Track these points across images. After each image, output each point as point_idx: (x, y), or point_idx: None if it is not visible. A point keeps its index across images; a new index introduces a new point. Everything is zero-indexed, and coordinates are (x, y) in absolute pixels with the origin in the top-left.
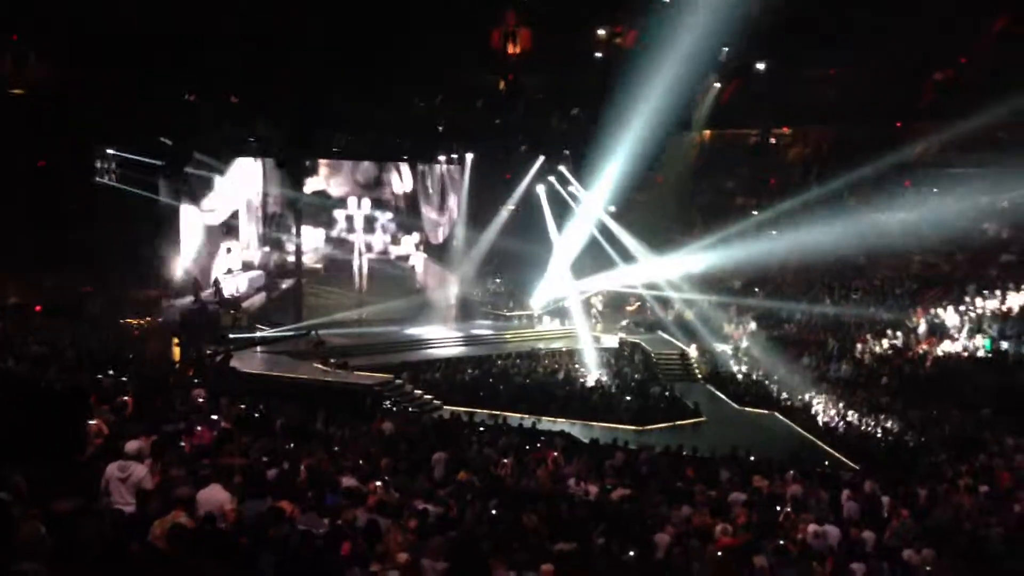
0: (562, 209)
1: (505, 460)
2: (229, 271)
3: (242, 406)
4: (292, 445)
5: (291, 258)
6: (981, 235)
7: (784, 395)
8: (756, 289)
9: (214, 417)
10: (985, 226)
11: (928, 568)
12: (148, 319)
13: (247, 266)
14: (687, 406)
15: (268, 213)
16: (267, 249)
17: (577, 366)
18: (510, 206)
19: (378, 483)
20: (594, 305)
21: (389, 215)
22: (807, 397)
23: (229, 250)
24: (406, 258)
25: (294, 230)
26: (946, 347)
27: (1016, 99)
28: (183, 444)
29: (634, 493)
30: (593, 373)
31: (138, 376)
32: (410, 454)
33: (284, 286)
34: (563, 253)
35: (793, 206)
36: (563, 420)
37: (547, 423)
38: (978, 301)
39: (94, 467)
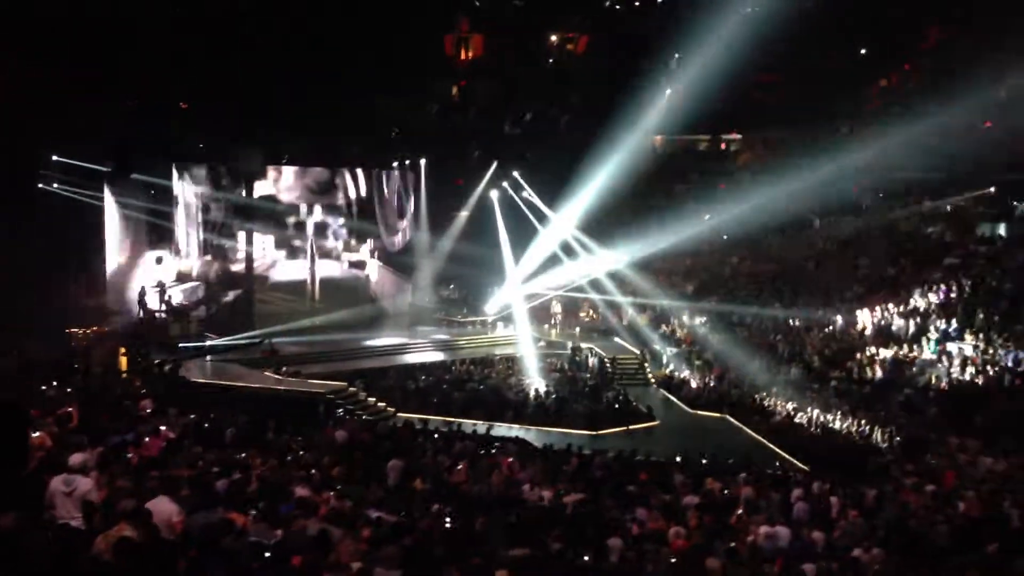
0: (517, 214)
1: (459, 467)
2: (160, 284)
3: (192, 416)
4: (243, 455)
5: (235, 267)
6: (925, 239)
7: (742, 389)
8: (700, 293)
9: (163, 428)
10: (929, 230)
11: (877, 567)
12: (94, 328)
13: (182, 277)
14: (640, 410)
15: (211, 220)
16: (208, 258)
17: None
18: (463, 212)
19: (331, 492)
20: (555, 311)
21: (341, 221)
22: (759, 398)
23: (160, 260)
24: (361, 265)
25: (242, 237)
26: (892, 350)
27: (960, 104)
28: (130, 456)
29: (588, 498)
30: (536, 380)
31: (84, 387)
32: (364, 462)
33: (230, 296)
34: (517, 258)
35: (744, 210)
36: (517, 426)
37: (501, 429)
38: (923, 304)
39: (38, 481)
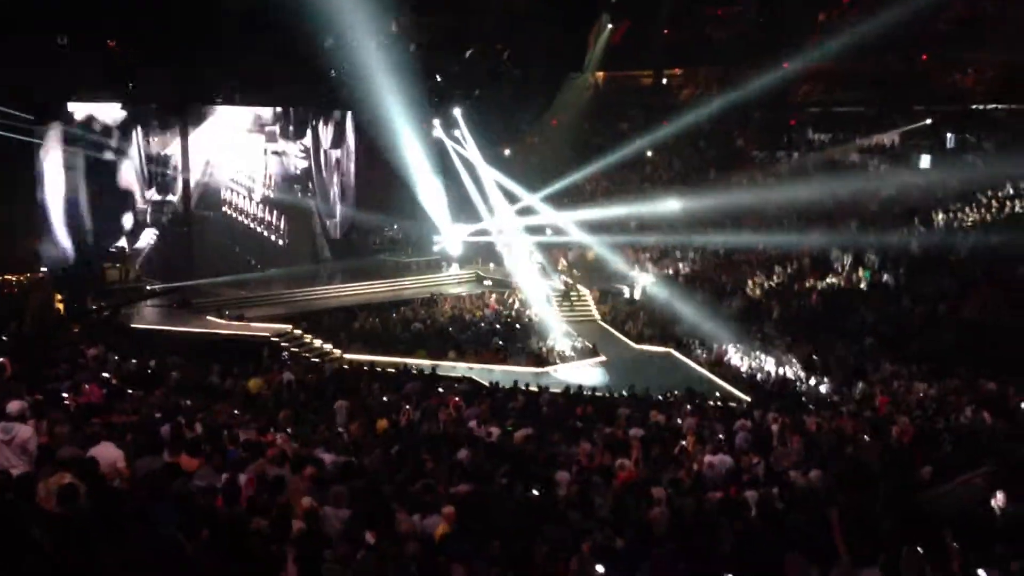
0: (459, 152)
1: (407, 406)
2: (101, 229)
3: (133, 362)
4: (187, 400)
5: (175, 211)
6: (862, 172)
7: (682, 332)
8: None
9: (104, 374)
10: (867, 163)
11: (813, 489)
12: (29, 274)
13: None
14: (587, 346)
15: (151, 162)
16: (155, 195)
17: (479, 312)
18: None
19: (278, 434)
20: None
21: (283, 159)
22: (703, 333)
23: (99, 202)
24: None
25: (180, 180)
26: (830, 280)
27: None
28: (68, 402)
29: (535, 433)
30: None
31: (19, 334)
32: (311, 403)
33: (174, 238)
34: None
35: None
36: (464, 364)
37: (448, 368)
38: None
39: None
